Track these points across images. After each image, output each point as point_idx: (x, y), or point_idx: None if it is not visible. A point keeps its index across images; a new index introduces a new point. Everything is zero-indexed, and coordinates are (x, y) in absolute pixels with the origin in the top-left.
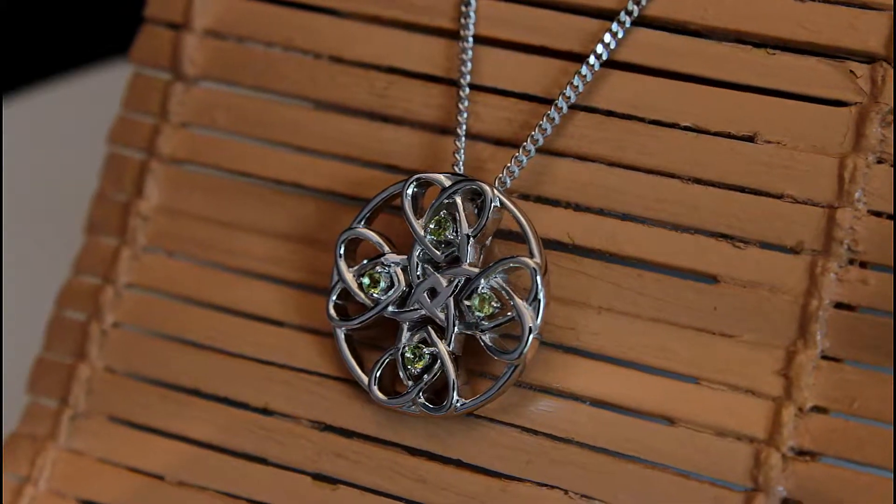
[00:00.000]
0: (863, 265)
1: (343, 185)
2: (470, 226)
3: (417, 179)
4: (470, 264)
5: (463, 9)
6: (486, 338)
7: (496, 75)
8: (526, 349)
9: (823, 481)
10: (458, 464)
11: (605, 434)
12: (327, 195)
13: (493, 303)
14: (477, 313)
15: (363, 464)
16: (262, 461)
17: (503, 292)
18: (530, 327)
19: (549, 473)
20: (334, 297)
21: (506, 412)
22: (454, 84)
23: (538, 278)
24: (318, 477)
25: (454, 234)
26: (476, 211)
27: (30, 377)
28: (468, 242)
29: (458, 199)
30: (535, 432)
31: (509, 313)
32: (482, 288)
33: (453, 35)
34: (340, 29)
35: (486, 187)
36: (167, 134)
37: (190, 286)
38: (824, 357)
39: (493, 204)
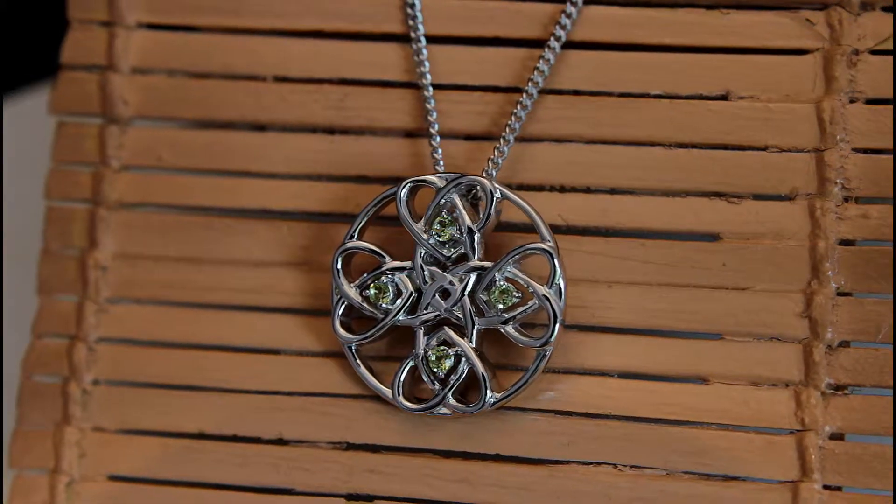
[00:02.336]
0: (856, 201)
1: (314, 204)
2: (473, 222)
3: (414, 182)
4: (479, 259)
5: (408, 11)
6: (510, 328)
7: (456, 71)
8: (555, 334)
9: (865, 411)
10: (498, 458)
11: (640, 403)
12: (299, 216)
13: (513, 293)
14: (498, 306)
15: (398, 475)
16: (289, 492)
17: (520, 281)
18: (556, 311)
19: (592, 451)
20: (339, 314)
21: (534, 399)
22: (412, 87)
23: (555, 261)
24: (351, 497)
25: (458, 232)
26: (473, 207)
27: (11, 452)
28: (474, 238)
29: (456, 198)
30: (569, 413)
31: (531, 301)
32: (499, 280)
33: (403, 38)
34: (281, 48)
35: (485, 181)
36: (110, 179)
37: (168, 330)
38: (840, 293)
39: (495, 196)
